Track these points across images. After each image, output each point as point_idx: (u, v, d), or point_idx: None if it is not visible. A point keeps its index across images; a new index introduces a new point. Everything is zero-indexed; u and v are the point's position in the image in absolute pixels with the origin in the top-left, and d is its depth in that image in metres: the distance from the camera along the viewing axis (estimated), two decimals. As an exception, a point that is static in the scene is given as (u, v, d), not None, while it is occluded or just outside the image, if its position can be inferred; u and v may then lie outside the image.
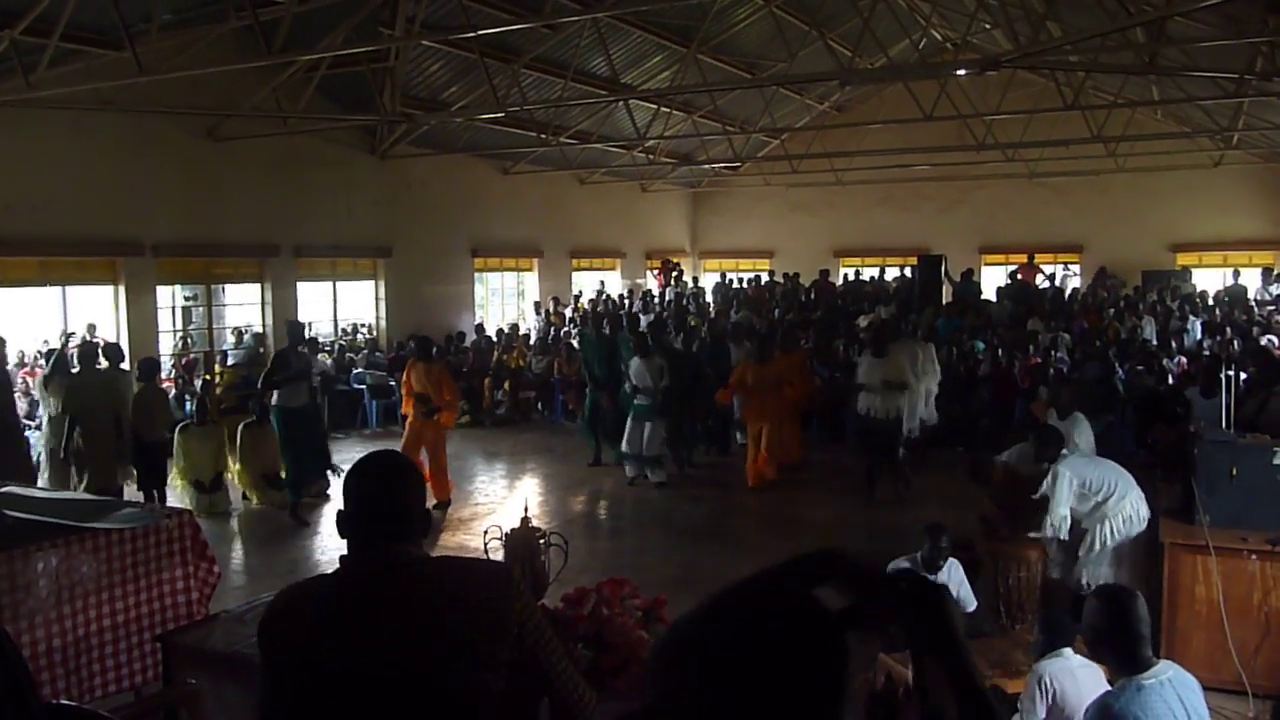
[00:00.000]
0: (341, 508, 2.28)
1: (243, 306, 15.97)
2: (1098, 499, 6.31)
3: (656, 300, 20.78)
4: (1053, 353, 13.88)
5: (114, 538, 4.96)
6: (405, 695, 2.13)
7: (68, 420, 9.16)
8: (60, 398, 9.31)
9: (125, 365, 10.17)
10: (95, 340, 11.47)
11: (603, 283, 23.18)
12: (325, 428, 10.43)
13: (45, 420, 9.71)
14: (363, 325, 17.94)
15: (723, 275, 24.98)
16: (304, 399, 9.99)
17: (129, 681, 5.00)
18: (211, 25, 11.46)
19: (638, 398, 11.29)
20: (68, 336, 12.22)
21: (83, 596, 4.81)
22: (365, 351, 16.55)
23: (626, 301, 20.84)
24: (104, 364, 9.59)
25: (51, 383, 9.47)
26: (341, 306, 17.54)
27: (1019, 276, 20.00)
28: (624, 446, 11.53)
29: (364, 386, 15.22)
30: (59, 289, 13.25)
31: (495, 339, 18.02)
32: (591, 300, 21.08)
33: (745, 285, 22.05)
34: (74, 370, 9.53)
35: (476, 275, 20.22)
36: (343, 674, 2.13)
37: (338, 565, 2.29)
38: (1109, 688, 3.44)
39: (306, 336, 11.13)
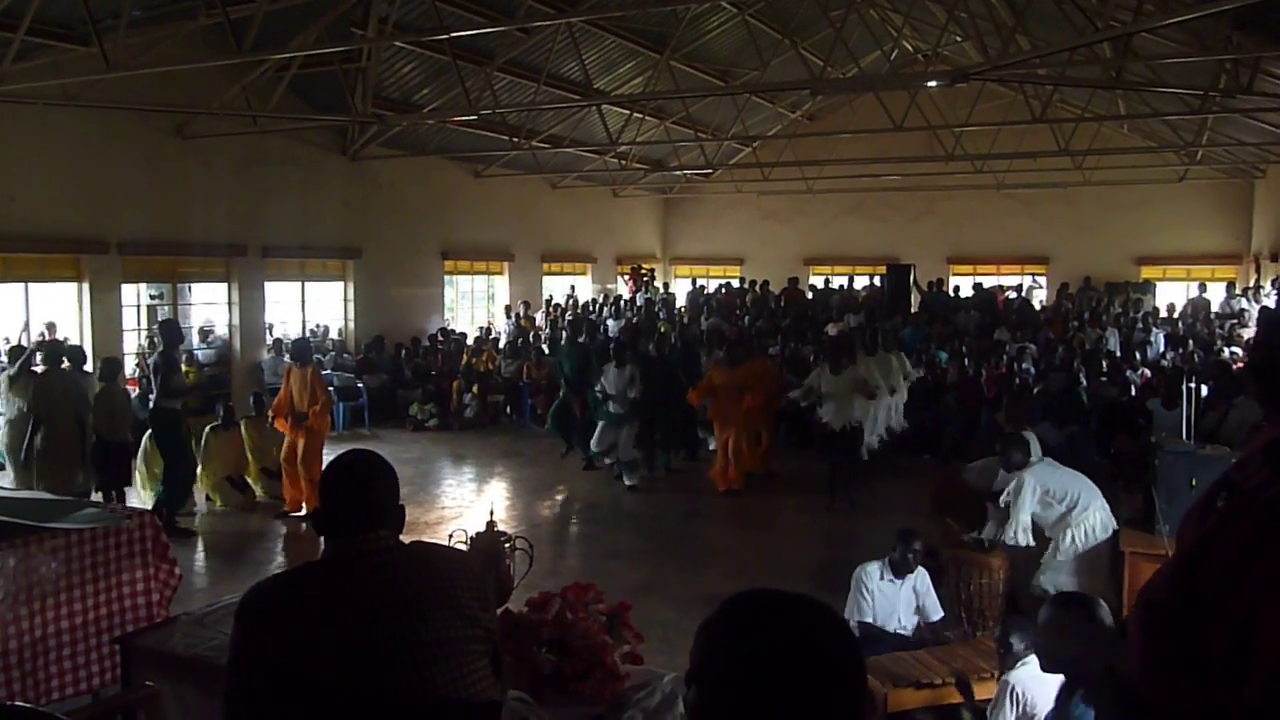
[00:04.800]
0: (318, 506, 2.40)
1: (210, 306, 15.83)
2: (1061, 508, 6.37)
3: (627, 306, 20.79)
4: (1017, 364, 14.01)
5: (74, 538, 4.90)
6: (395, 674, 2.18)
7: (31, 421, 9.04)
8: (25, 398, 9.18)
9: (88, 367, 10.04)
10: (59, 340, 11.33)
11: (573, 287, 23.16)
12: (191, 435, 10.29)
13: (5, 421, 9.58)
14: (331, 326, 17.79)
15: (694, 282, 25.02)
16: (180, 401, 9.80)
17: (87, 684, 4.94)
18: (181, 22, 11.36)
19: (609, 405, 11.32)
20: (40, 339, 12.08)
21: (41, 598, 4.75)
22: (333, 353, 16.43)
23: (596, 306, 20.84)
24: (66, 365, 9.49)
25: (16, 383, 9.35)
26: (310, 308, 17.41)
27: (985, 288, 20.20)
28: (594, 445, 11.60)
29: (332, 388, 15.09)
30: (21, 286, 13.07)
31: (470, 342, 17.97)
32: (559, 305, 21.05)
33: (719, 291, 22.12)
34: (37, 370, 9.41)
35: (446, 278, 20.14)
36: (322, 659, 2.16)
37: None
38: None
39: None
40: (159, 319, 12.89)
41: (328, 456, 10.48)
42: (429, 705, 2.18)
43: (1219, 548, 1.47)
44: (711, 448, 12.52)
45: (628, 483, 11.40)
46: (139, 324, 14.71)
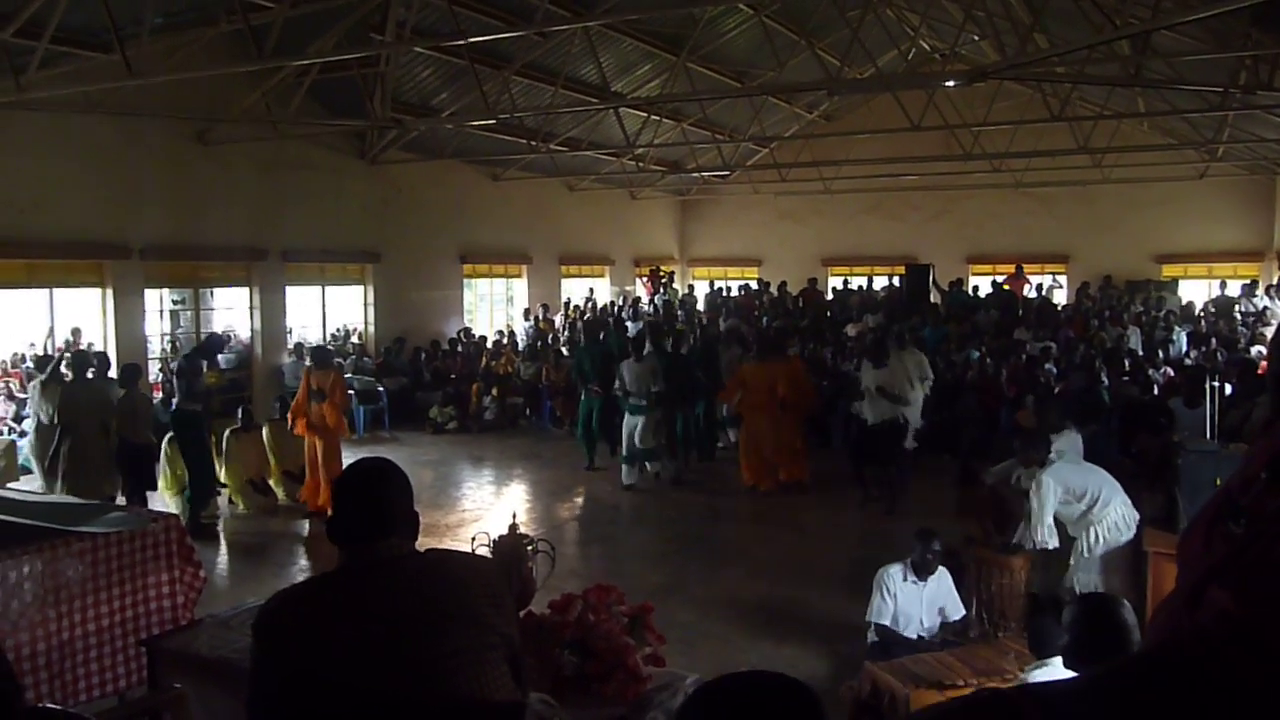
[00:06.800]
0: (331, 515, 2.36)
1: (231, 310, 15.93)
2: (1083, 506, 6.32)
3: (646, 308, 20.81)
4: (1040, 365, 13.93)
5: (100, 541, 4.95)
6: (413, 686, 2.17)
7: (59, 430, 9.12)
8: (54, 406, 9.27)
9: (112, 373, 10.13)
10: (87, 349, 11.44)
11: (592, 289, 23.18)
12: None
13: (34, 427, 9.67)
14: (352, 329, 17.86)
15: (712, 284, 25.00)
16: (200, 403, 9.93)
17: (113, 686, 4.99)
18: (202, 29, 11.45)
19: (631, 400, 11.33)
20: (67, 346, 12.22)
21: (68, 600, 4.80)
22: (354, 357, 16.51)
23: (615, 309, 20.85)
24: (91, 374, 9.60)
25: (46, 390, 9.45)
26: (330, 311, 17.50)
27: (1006, 287, 20.08)
28: (624, 449, 11.63)
29: (352, 392, 15.16)
30: (46, 291, 13.19)
31: (489, 345, 18.03)
32: (578, 307, 21.09)
33: (738, 292, 22.11)
34: (66, 379, 9.49)
35: (465, 281, 20.21)
36: (342, 671, 2.16)
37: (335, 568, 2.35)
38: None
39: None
40: (206, 333, 13.05)
41: (347, 459, 10.62)
42: (450, 710, 2.20)
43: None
44: (733, 439, 12.54)
45: (651, 470, 11.62)
46: (161, 329, 14.82)
